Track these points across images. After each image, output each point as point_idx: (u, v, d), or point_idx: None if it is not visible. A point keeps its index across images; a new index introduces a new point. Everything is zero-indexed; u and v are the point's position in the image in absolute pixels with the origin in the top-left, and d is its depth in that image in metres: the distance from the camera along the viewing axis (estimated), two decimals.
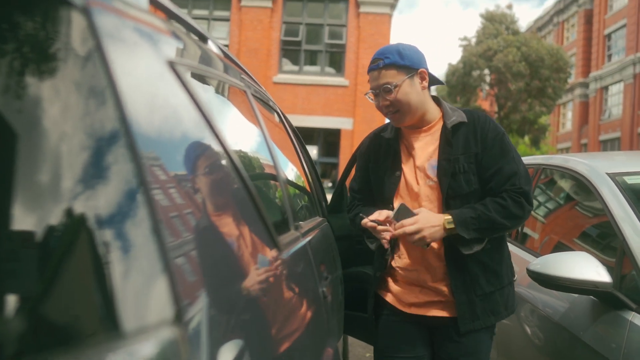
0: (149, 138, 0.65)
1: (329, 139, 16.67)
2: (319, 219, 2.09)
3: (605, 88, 35.08)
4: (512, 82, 24.25)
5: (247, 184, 0.95)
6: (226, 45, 16.41)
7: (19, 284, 0.50)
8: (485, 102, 29.88)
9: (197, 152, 0.81)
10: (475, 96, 26.97)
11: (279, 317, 0.99)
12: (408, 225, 1.76)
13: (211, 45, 1.43)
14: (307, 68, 16.79)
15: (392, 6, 16.53)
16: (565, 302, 2.30)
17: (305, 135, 16.24)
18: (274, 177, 1.38)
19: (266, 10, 16.26)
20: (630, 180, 2.33)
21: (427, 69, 1.91)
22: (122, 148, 0.59)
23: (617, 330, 1.88)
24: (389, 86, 1.84)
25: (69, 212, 0.53)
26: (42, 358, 0.46)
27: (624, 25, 32.79)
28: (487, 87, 27.34)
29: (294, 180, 2.05)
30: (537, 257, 2.43)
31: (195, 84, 0.89)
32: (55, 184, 0.53)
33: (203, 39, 1.42)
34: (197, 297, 0.62)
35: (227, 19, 16.59)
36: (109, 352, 0.48)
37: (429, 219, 1.78)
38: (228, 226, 0.85)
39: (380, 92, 1.87)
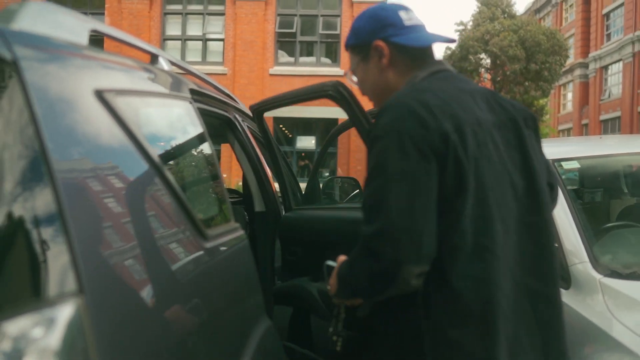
0: (59, 142, 0.86)
1: (328, 129, 16.85)
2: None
3: (605, 68, 35.02)
4: (508, 65, 24.27)
5: (171, 184, 1.16)
6: (222, 40, 16.57)
7: None
8: (483, 85, 29.95)
9: (111, 158, 1.02)
10: (473, 80, 27.01)
11: (196, 296, 1.20)
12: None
13: (162, 63, 1.64)
14: (303, 59, 16.94)
15: None
16: None
17: (303, 126, 16.46)
18: (212, 178, 1.60)
19: (260, 3, 16.40)
20: (567, 165, 2.52)
21: (385, 38, 1.38)
22: (35, 152, 0.80)
23: None
24: (350, 70, 1.52)
25: (5, 213, 0.74)
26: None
27: (621, 4, 32.68)
28: (483, 71, 27.36)
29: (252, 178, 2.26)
30: None
31: (120, 103, 1.09)
32: None
33: (154, 57, 1.63)
34: (104, 275, 0.83)
35: (222, 13, 16.74)
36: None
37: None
38: (142, 220, 1.06)
39: (350, 75, 1.54)
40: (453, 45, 27.13)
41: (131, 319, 0.87)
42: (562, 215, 2.22)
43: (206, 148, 1.59)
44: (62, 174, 0.80)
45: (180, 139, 1.45)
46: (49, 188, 0.77)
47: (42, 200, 0.75)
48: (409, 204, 1.09)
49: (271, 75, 16.35)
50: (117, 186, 0.97)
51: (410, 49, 1.38)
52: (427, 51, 1.40)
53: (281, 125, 16.69)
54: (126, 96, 1.14)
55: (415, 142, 1.12)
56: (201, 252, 1.23)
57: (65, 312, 0.72)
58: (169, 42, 16.72)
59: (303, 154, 17.28)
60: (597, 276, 1.94)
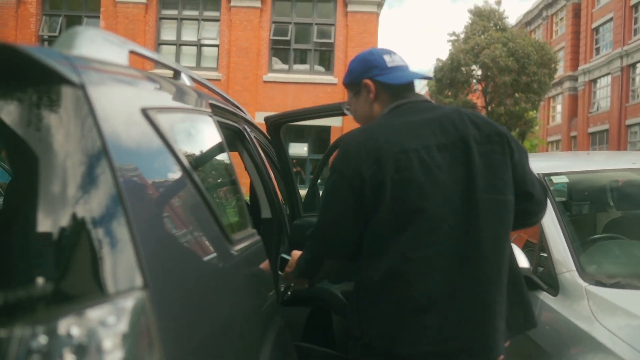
0: (125, 161, 0.99)
1: (320, 136, 17.00)
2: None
3: (594, 81, 35.54)
4: (499, 77, 24.59)
5: (202, 193, 1.29)
6: (216, 45, 16.71)
7: (41, 266, 0.83)
8: (475, 96, 30.25)
9: (162, 174, 1.14)
10: (463, 91, 27.28)
11: (229, 294, 1.33)
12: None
13: (184, 78, 1.77)
14: (297, 67, 17.10)
15: (380, 5, 16.84)
16: None
17: (296, 133, 16.61)
18: (233, 187, 1.73)
19: (255, 10, 16.54)
20: (556, 179, 2.67)
21: (372, 77, 1.68)
22: (103, 164, 0.92)
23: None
24: (347, 105, 1.85)
25: (72, 214, 0.86)
26: (54, 308, 0.79)
27: (610, 19, 33.23)
28: (474, 82, 27.67)
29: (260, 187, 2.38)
30: None
31: (160, 119, 1.22)
32: (62, 194, 0.87)
33: (177, 74, 1.76)
34: (161, 273, 0.95)
35: (217, 19, 16.86)
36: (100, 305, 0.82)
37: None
38: (185, 225, 1.19)
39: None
40: (444, 57, 27.45)
41: (183, 310, 1.01)
42: (551, 227, 2.36)
43: (226, 158, 1.73)
44: (126, 185, 0.93)
45: (205, 151, 1.58)
46: (117, 198, 0.89)
47: (114, 208, 0.88)
48: (329, 220, 1.60)
49: (265, 82, 16.48)
50: (162, 194, 1.10)
51: (392, 85, 1.69)
52: (406, 86, 1.71)
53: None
54: (164, 113, 1.26)
55: (343, 179, 1.53)
56: (229, 255, 1.37)
57: (133, 303, 0.85)
58: (164, 47, 16.81)
59: (294, 161, 17.43)
60: (583, 284, 2.08)
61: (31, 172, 0.89)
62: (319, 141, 17.07)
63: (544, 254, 2.34)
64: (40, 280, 0.80)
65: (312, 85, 16.65)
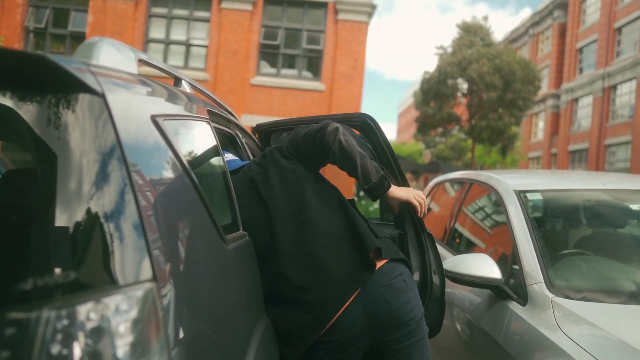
0: (138, 163, 1.09)
1: None
2: None
3: (576, 100, 36.20)
4: (484, 92, 24.97)
5: (202, 197, 1.39)
6: (205, 46, 16.75)
7: (65, 258, 0.93)
8: (459, 108, 30.65)
9: (167, 175, 1.25)
10: (449, 103, 27.64)
11: (225, 288, 1.43)
12: None
13: (184, 85, 1.87)
14: (285, 71, 17.20)
15: (370, 14, 17.04)
16: (475, 296, 2.78)
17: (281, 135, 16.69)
18: (227, 191, 1.84)
19: (246, 13, 16.62)
20: (531, 196, 2.81)
21: None
22: (120, 167, 1.02)
23: (502, 317, 2.36)
24: None
25: (93, 212, 0.96)
26: (76, 295, 0.89)
27: (595, 40, 33.92)
28: (459, 95, 28.05)
29: None
30: None
31: (167, 127, 1.32)
32: (83, 193, 0.97)
33: (177, 80, 1.86)
34: (167, 268, 1.05)
35: (207, 20, 16.90)
36: (113, 294, 0.92)
37: None
38: (187, 224, 1.29)
39: None
40: (432, 69, 27.77)
41: (184, 300, 1.11)
42: (524, 240, 2.50)
43: (221, 162, 1.83)
44: (138, 186, 1.03)
45: (204, 155, 1.68)
46: (132, 198, 1.00)
47: (129, 207, 0.99)
48: None
49: (252, 85, 16.56)
50: (168, 195, 1.20)
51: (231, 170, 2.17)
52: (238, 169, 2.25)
53: (257, 135, 16.88)
54: (169, 120, 1.37)
55: None
56: (225, 254, 1.47)
57: (144, 293, 0.95)
58: (152, 45, 16.80)
59: None
60: (550, 295, 2.22)
61: (54, 172, 0.98)
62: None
63: (516, 266, 2.48)
64: (63, 271, 0.90)
65: (299, 91, 16.76)
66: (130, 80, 1.27)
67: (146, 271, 0.97)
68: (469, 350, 2.76)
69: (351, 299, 1.90)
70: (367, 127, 2.41)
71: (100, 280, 0.93)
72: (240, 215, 1.92)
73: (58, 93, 1.04)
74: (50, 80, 1.03)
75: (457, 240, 3.64)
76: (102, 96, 1.06)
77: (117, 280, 0.93)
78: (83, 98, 1.04)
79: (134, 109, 1.17)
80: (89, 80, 1.05)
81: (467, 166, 34.59)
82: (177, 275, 1.10)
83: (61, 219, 0.95)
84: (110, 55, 1.31)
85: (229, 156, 2.33)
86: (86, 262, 0.93)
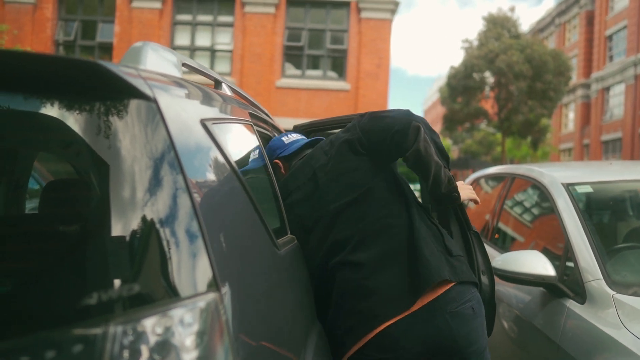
0: (193, 169, 1.05)
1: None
2: None
3: (607, 89, 35.40)
4: (513, 83, 24.55)
5: (253, 201, 1.35)
6: (230, 51, 16.83)
7: (120, 269, 0.89)
8: (487, 103, 30.20)
9: (221, 180, 1.21)
10: (476, 98, 27.27)
11: (281, 293, 1.39)
12: None
13: (225, 88, 1.84)
14: (310, 72, 17.18)
15: (393, 11, 16.91)
16: (525, 294, 2.68)
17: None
18: (273, 194, 1.80)
19: (269, 16, 16.65)
20: (580, 189, 2.71)
21: (280, 157, 2.23)
22: (176, 173, 0.99)
23: (558, 315, 2.27)
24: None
25: (144, 218, 0.93)
26: (140, 309, 0.85)
27: (624, 27, 33.10)
28: (487, 89, 27.64)
29: None
30: None
31: (215, 130, 1.29)
32: (133, 197, 0.93)
33: (218, 84, 1.82)
34: (227, 276, 1.01)
35: (231, 25, 16.99)
36: (178, 306, 0.88)
37: None
38: (242, 229, 1.25)
39: None
40: (455, 63, 27.44)
41: (246, 309, 1.07)
42: (577, 235, 2.40)
43: (266, 167, 1.79)
44: (196, 193, 0.99)
45: (251, 158, 1.65)
46: (190, 204, 0.96)
47: (189, 215, 0.95)
48: None
49: (278, 87, 16.58)
50: (224, 201, 1.16)
51: (290, 155, 2.22)
52: (302, 149, 2.23)
53: None
54: (217, 123, 1.33)
55: None
56: (278, 259, 1.43)
57: (207, 304, 0.91)
58: (178, 52, 16.92)
59: None
60: (611, 292, 2.12)
61: (107, 180, 0.95)
62: None
63: (570, 263, 2.38)
64: (124, 284, 0.86)
65: (325, 92, 16.73)
66: (179, 84, 1.24)
67: (208, 280, 0.93)
68: (521, 350, 2.67)
69: (394, 320, 1.75)
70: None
71: (163, 292, 0.89)
72: (295, 210, 1.87)
73: (108, 100, 1.01)
74: (102, 87, 1.00)
75: (500, 237, 3.54)
76: (154, 101, 1.02)
77: (180, 291, 0.89)
78: (135, 104, 1.01)
79: (184, 113, 1.14)
80: (140, 85, 1.02)
81: (496, 160, 34.07)
82: (236, 283, 1.06)
83: (117, 229, 0.91)
84: (156, 60, 1.28)
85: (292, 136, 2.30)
86: (148, 273, 0.90)
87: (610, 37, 35.22)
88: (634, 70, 31.60)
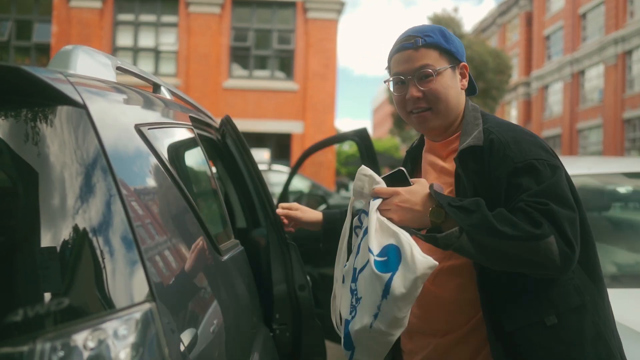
0: (126, 176, 1.02)
1: (281, 143, 17.03)
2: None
3: (546, 87, 36.72)
4: None
5: (193, 206, 1.32)
6: (175, 52, 16.55)
7: (51, 281, 0.86)
8: None
9: (155, 185, 1.18)
10: None
11: (222, 301, 1.37)
12: (383, 189, 1.36)
13: (164, 92, 1.80)
14: (257, 73, 17.10)
15: (339, 11, 17.02)
16: None
17: (257, 140, 16.59)
18: (216, 198, 1.77)
19: (214, 16, 16.47)
20: None
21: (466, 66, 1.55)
22: (108, 183, 0.96)
23: None
24: (429, 70, 1.44)
25: (75, 227, 0.90)
26: (71, 323, 0.82)
27: (561, 27, 34.42)
28: None
29: (234, 196, 2.42)
30: None
31: (151, 135, 1.26)
32: (63, 206, 0.90)
33: (156, 87, 1.79)
34: (164, 285, 0.99)
35: (175, 25, 16.70)
36: (110, 319, 0.85)
37: (415, 193, 1.35)
38: (180, 236, 1.22)
39: (414, 77, 1.46)
40: None
41: (184, 318, 1.05)
42: None
43: (208, 170, 1.77)
44: (129, 201, 0.97)
45: (190, 163, 1.62)
46: (123, 212, 0.93)
47: (122, 225, 0.92)
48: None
49: (225, 88, 16.43)
50: (160, 208, 1.14)
51: (471, 86, 1.60)
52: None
53: None
54: (154, 128, 1.30)
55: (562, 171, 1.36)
56: (220, 265, 1.41)
57: (143, 314, 0.89)
58: (120, 52, 16.53)
59: None
60: None
61: (36, 190, 0.91)
62: (280, 148, 17.09)
63: None
64: (54, 297, 0.83)
65: (273, 92, 16.68)
66: (111, 89, 1.20)
67: (143, 290, 0.91)
68: None
69: None
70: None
71: (96, 304, 0.86)
72: None
73: (36, 106, 0.97)
74: (27, 93, 0.96)
75: None
76: (84, 107, 0.99)
77: (114, 302, 0.87)
78: (64, 110, 0.97)
79: (117, 119, 1.11)
80: (69, 91, 0.98)
81: None
82: (174, 292, 1.03)
83: (47, 240, 0.88)
84: (88, 64, 1.24)
85: None
86: (80, 285, 0.87)
87: (548, 37, 36.53)
88: (571, 69, 32.90)
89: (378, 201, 1.33)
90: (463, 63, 1.51)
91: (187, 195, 1.30)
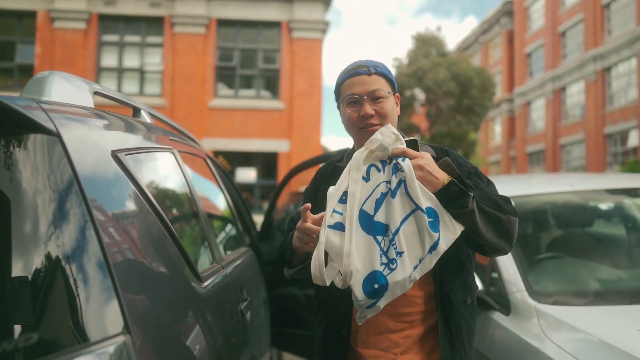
0: (100, 203, 1.00)
1: (267, 162, 16.99)
2: (243, 249, 2.44)
3: (529, 103, 37.16)
4: (442, 99, 25.39)
5: (172, 231, 1.30)
6: (160, 72, 16.53)
7: (21, 313, 0.84)
8: (418, 118, 31.03)
9: (132, 212, 1.16)
10: (407, 114, 27.97)
11: (202, 330, 1.34)
12: (412, 150, 1.54)
13: (144, 115, 1.79)
14: (243, 92, 17.10)
15: (323, 31, 17.14)
16: None
17: (243, 159, 16.56)
18: (198, 223, 1.75)
19: (199, 36, 16.50)
20: None
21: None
22: (81, 206, 0.94)
23: (485, 327, 2.32)
24: (382, 92, 1.72)
25: (48, 255, 0.88)
26: (45, 358, 0.80)
27: (542, 45, 34.98)
28: (417, 105, 28.43)
29: (218, 220, 2.40)
30: None
31: (129, 161, 1.24)
32: (35, 235, 0.88)
33: (136, 111, 1.77)
34: (140, 317, 0.97)
35: (160, 45, 16.70)
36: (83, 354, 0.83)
37: (432, 161, 1.56)
38: (158, 263, 1.20)
39: (368, 98, 1.71)
40: None
41: (162, 349, 1.02)
42: None
43: (189, 193, 1.75)
44: (102, 229, 0.95)
45: (172, 187, 1.60)
46: (97, 241, 0.91)
47: (96, 255, 0.90)
48: None
49: (210, 108, 16.40)
50: (137, 237, 1.12)
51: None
52: None
53: (220, 157, 16.71)
54: (132, 154, 1.29)
55: None
56: (200, 293, 1.38)
57: (117, 348, 0.86)
58: (105, 73, 16.48)
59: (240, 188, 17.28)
60: (533, 303, 2.19)
61: (8, 216, 0.89)
62: (266, 166, 17.05)
63: (495, 274, 2.45)
64: (24, 332, 0.80)
65: (259, 112, 16.69)
66: (87, 115, 1.19)
67: (117, 322, 0.89)
68: None
69: None
70: None
71: (68, 337, 0.84)
72: None
73: (8, 134, 0.95)
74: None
75: None
76: (57, 135, 0.97)
77: (88, 335, 0.84)
78: (36, 138, 0.95)
79: (92, 146, 1.09)
80: (41, 118, 0.97)
81: None
82: (151, 323, 1.01)
83: (18, 270, 0.86)
84: (63, 90, 1.22)
85: None
86: (52, 318, 0.84)
87: (529, 55, 37.07)
88: (552, 85, 33.38)
89: (408, 161, 1.48)
90: (397, 94, 1.82)
91: (166, 221, 1.28)
